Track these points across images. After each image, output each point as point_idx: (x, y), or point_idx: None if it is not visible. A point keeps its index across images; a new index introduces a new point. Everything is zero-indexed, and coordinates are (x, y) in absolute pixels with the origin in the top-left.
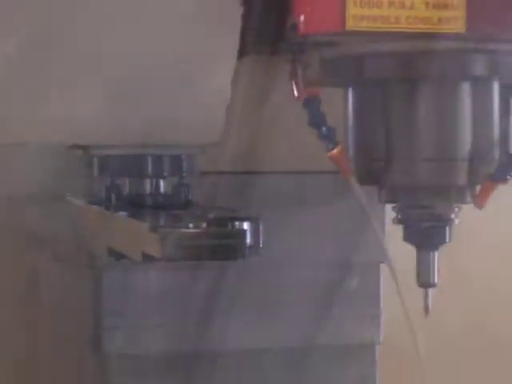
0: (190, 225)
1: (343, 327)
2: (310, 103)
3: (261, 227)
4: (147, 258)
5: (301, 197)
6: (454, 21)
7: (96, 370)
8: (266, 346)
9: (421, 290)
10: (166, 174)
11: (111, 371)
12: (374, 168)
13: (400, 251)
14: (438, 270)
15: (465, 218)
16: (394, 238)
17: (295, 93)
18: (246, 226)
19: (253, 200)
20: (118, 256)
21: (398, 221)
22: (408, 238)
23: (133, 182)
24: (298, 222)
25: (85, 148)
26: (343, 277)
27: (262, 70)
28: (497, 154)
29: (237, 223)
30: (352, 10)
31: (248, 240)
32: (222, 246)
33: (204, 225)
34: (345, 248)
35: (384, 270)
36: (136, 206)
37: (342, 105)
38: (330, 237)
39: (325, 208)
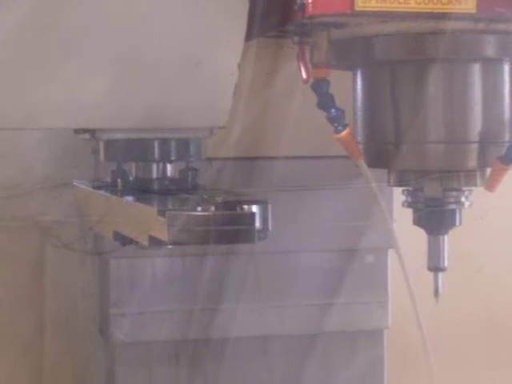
0: (198, 208)
1: (351, 313)
2: (319, 85)
3: (269, 210)
4: (154, 242)
5: (308, 182)
6: (465, 1)
7: (103, 357)
8: (274, 333)
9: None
10: (172, 157)
11: (118, 357)
12: (384, 151)
13: (408, 236)
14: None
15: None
16: (402, 222)
17: (303, 75)
18: (254, 209)
19: (259, 186)
20: (125, 240)
21: (407, 204)
22: (418, 221)
23: (139, 167)
24: (305, 207)
25: (92, 132)
26: (351, 263)
27: (268, 53)
28: (507, 136)
29: (245, 206)
30: None
31: (257, 223)
32: (231, 230)
33: (212, 208)
34: (353, 234)
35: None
36: (143, 190)
37: (350, 87)
38: (338, 222)
39: (332, 193)
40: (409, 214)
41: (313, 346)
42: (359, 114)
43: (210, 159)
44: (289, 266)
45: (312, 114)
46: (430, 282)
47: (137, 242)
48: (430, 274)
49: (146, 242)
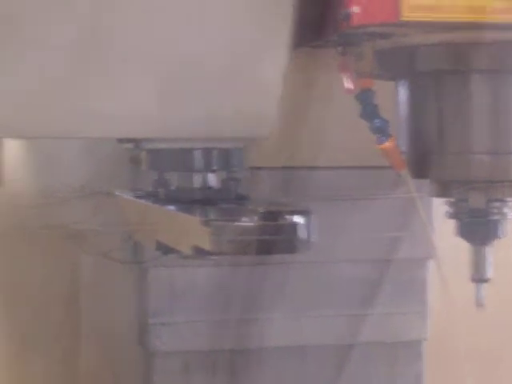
0: (242, 219)
1: (390, 324)
2: (363, 95)
3: (313, 221)
4: (198, 252)
5: (346, 192)
6: (511, 11)
7: (141, 366)
8: (311, 343)
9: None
10: (215, 167)
11: (156, 367)
12: (427, 161)
13: (448, 246)
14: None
15: None
16: (440, 232)
17: (347, 85)
18: (298, 219)
19: (299, 195)
20: (167, 250)
21: (450, 215)
22: (461, 232)
23: (181, 176)
24: (344, 217)
25: (136, 141)
26: (390, 273)
27: (313, 63)
28: None
29: (289, 217)
30: (407, 0)
31: (300, 234)
32: (275, 240)
33: (256, 218)
34: (392, 244)
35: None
36: (184, 200)
37: (392, 98)
38: (377, 232)
39: (371, 204)
40: (447, 225)
41: (350, 357)
42: (402, 124)
43: (251, 169)
44: (327, 276)
45: (350, 124)
46: (469, 294)
47: (179, 252)
48: (470, 286)
49: (189, 252)
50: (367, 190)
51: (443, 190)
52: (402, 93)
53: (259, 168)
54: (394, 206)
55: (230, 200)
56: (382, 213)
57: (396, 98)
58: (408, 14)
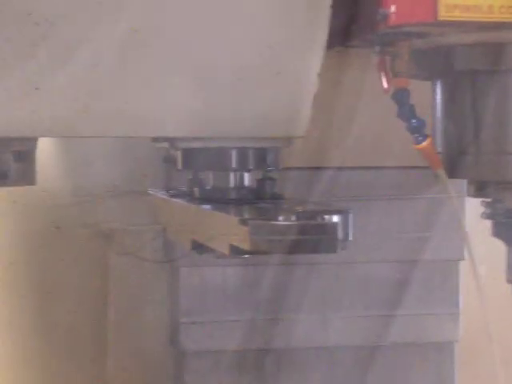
0: (280, 218)
1: (422, 325)
2: (399, 95)
3: (350, 220)
4: (235, 251)
5: (379, 192)
6: None
7: (173, 365)
8: (341, 344)
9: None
10: (250, 167)
11: (188, 366)
12: (463, 161)
13: (482, 247)
14: None
15: None
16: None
17: (384, 85)
18: (336, 219)
19: (330, 195)
20: (201, 249)
21: (486, 216)
22: (497, 233)
23: (216, 176)
24: (376, 218)
25: (171, 141)
26: (422, 274)
27: (349, 63)
28: None
29: (328, 216)
30: (444, 0)
31: (339, 234)
32: (313, 240)
33: (294, 218)
34: (423, 245)
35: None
36: (219, 199)
37: (428, 97)
38: (409, 233)
39: (403, 204)
40: (482, 225)
41: (381, 358)
42: (438, 124)
43: (286, 169)
44: (358, 276)
45: (385, 123)
46: (502, 295)
47: (213, 251)
48: (503, 287)
49: (226, 251)
50: (401, 189)
51: (479, 191)
52: (438, 93)
53: (290, 168)
54: (427, 206)
55: (266, 199)
56: (415, 213)
57: (432, 97)
58: (445, 14)
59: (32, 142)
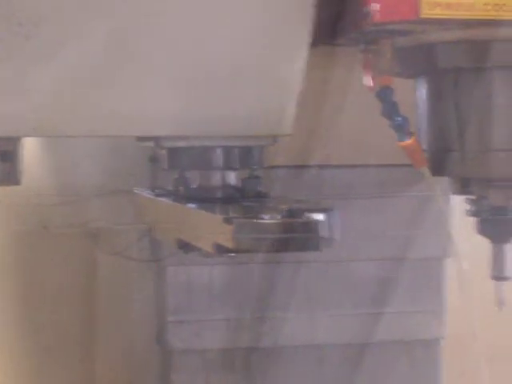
0: (265, 216)
1: (407, 322)
2: (383, 93)
3: (336, 218)
4: (219, 250)
5: (364, 190)
6: None
7: (159, 364)
8: (328, 342)
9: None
10: (235, 165)
11: (175, 365)
12: (448, 159)
13: (467, 244)
14: None
15: None
16: (459, 230)
17: (367, 83)
18: (320, 217)
19: (316, 194)
20: (187, 248)
21: (471, 213)
22: (481, 230)
23: (202, 175)
24: (360, 216)
25: (156, 140)
26: (407, 271)
27: (333, 61)
28: None
29: (311, 215)
30: None
31: (323, 231)
32: (297, 238)
33: (278, 216)
34: (408, 242)
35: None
36: (205, 198)
37: (412, 95)
38: (394, 231)
39: (388, 202)
40: (467, 222)
41: (368, 356)
42: (422, 121)
43: (271, 167)
44: (344, 274)
45: (369, 121)
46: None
47: (200, 250)
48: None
49: (210, 250)
50: (385, 188)
51: (463, 188)
52: (422, 90)
53: (274, 167)
54: (411, 204)
55: (251, 198)
56: (400, 211)
57: (416, 95)
58: (427, 12)
59: (16, 141)
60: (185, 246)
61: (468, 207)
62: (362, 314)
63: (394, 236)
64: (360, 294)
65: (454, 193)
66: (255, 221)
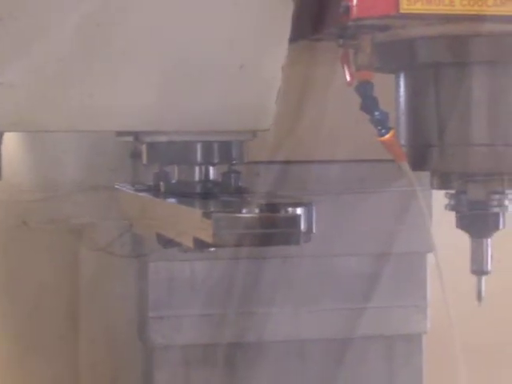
0: (244, 210)
1: (390, 317)
2: (363, 88)
3: (313, 212)
4: (199, 245)
5: (344, 186)
6: (510, 3)
7: (141, 360)
8: (310, 337)
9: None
10: (215, 160)
11: (156, 361)
12: (427, 154)
13: (447, 239)
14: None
15: None
16: (440, 225)
17: (347, 78)
18: (299, 211)
19: (297, 189)
20: (167, 243)
21: (450, 207)
22: (461, 225)
23: (182, 169)
24: (342, 211)
25: (135, 134)
26: (389, 267)
27: (311, 56)
28: None
29: (290, 209)
30: None
31: (302, 226)
32: (277, 232)
33: (257, 210)
34: (390, 237)
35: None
36: (185, 193)
37: (392, 90)
38: (376, 226)
39: (369, 197)
40: (448, 217)
41: (350, 351)
42: (402, 116)
43: (251, 162)
44: (326, 269)
45: (349, 117)
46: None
47: (179, 245)
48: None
49: (190, 244)
50: (366, 183)
51: (443, 183)
52: (402, 85)
53: (256, 162)
54: (393, 200)
55: (231, 193)
56: (381, 206)
57: (395, 90)
58: (407, 7)
59: None
60: (165, 241)
61: (448, 201)
62: (344, 308)
63: (377, 231)
64: (342, 289)
65: (434, 187)
66: (235, 215)
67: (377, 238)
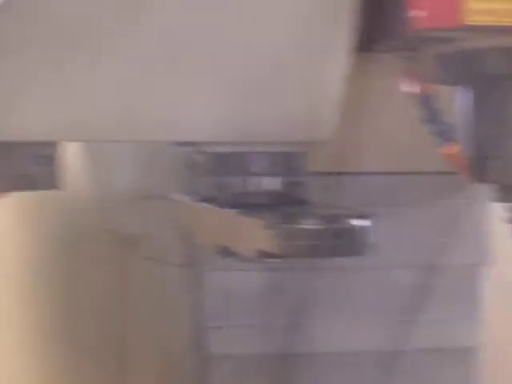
0: (307, 222)
1: (443, 330)
2: (425, 100)
3: (376, 225)
4: (261, 256)
5: (398, 198)
6: None
7: (196, 370)
8: (363, 349)
9: None
10: (275, 171)
11: (212, 371)
12: (487, 166)
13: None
14: None
15: None
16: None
17: (409, 90)
18: (363, 222)
19: (350, 201)
20: (227, 254)
21: (509, 220)
22: None
23: (240, 180)
24: (397, 223)
25: (196, 145)
26: (443, 279)
27: (373, 68)
28: None
29: (354, 220)
30: (471, 4)
31: (366, 238)
32: (340, 244)
33: (321, 222)
34: (445, 249)
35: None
36: (243, 204)
37: (453, 103)
38: (429, 238)
39: (425, 209)
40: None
41: (402, 363)
42: (463, 129)
43: (313, 173)
44: (380, 281)
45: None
46: None
47: (238, 256)
48: None
49: (252, 255)
50: (419, 195)
51: (503, 195)
52: (463, 97)
53: (315, 173)
54: (451, 212)
55: (293, 204)
56: (437, 218)
57: (457, 102)
58: (472, 18)
59: (58, 145)
60: (223, 252)
61: (505, 214)
62: (396, 321)
63: (433, 243)
64: (398, 301)
65: (494, 200)
66: (298, 226)
67: (433, 251)
